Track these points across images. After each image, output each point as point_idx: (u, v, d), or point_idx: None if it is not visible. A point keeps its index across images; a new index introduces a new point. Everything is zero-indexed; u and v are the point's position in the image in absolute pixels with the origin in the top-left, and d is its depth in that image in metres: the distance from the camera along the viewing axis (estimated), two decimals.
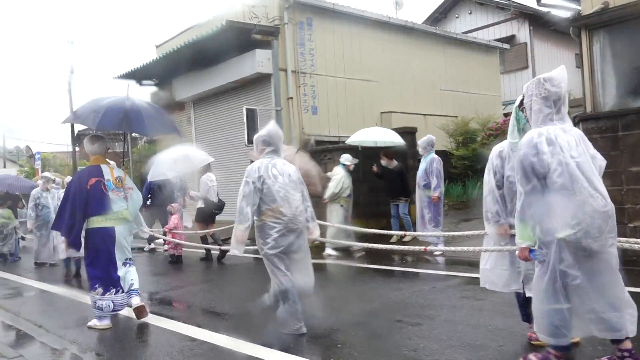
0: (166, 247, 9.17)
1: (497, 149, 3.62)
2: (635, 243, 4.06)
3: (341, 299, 5.63)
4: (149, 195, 10.05)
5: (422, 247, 7.27)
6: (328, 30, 12.45)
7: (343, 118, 12.49)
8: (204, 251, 9.05)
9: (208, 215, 9.05)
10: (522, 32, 18.53)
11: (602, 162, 2.98)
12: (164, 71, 14.13)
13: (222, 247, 8.22)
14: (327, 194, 8.68)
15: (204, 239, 9.08)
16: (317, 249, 8.36)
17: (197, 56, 12.32)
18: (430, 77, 14.49)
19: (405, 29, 13.95)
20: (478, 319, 4.38)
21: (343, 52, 12.67)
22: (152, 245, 10.84)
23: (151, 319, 4.95)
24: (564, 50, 18.49)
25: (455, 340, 3.85)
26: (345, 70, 12.69)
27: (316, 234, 4.55)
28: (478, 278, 3.98)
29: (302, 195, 4.47)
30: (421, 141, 8.23)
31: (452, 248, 5.90)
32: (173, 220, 9.02)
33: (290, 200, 4.25)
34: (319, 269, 5.18)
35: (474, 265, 6.43)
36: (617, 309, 2.84)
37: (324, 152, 10.38)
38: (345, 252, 8.66)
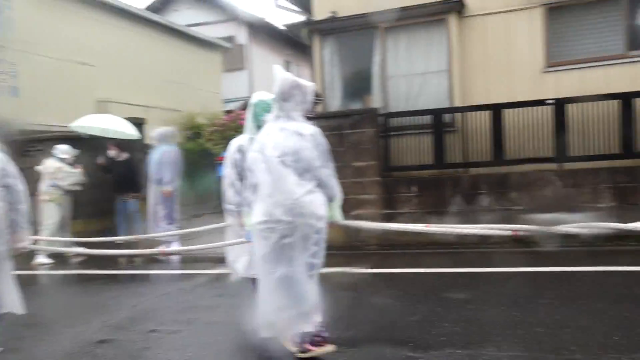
0: None
1: (236, 143, 3.71)
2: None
3: (74, 314, 4.70)
4: None
5: (160, 249, 6.78)
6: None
7: (53, 103, 10.74)
8: None
9: None
10: (241, 34, 19.23)
11: (313, 161, 2.99)
12: None
13: None
14: (39, 191, 7.33)
15: None
16: (24, 258, 6.93)
17: None
18: (153, 67, 13.70)
19: (127, 14, 12.90)
20: (240, 317, 4.16)
21: (53, 28, 10.90)
22: None
23: None
24: (277, 56, 19.93)
25: (224, 343, 3.58)
26: (56, 49, 10.95)
27: (24, 242, 3.74)
28: (224, 274, 3.88)
29: (9, 191, 3.60)
30: (160, 131, 7.63)
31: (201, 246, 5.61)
32: None
33: None
34: (30, 282, 4.23)
35: (215, 261, 6.26)
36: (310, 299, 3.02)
37: (32, 142, 8.71)
38: (60, 258, 7.44)
